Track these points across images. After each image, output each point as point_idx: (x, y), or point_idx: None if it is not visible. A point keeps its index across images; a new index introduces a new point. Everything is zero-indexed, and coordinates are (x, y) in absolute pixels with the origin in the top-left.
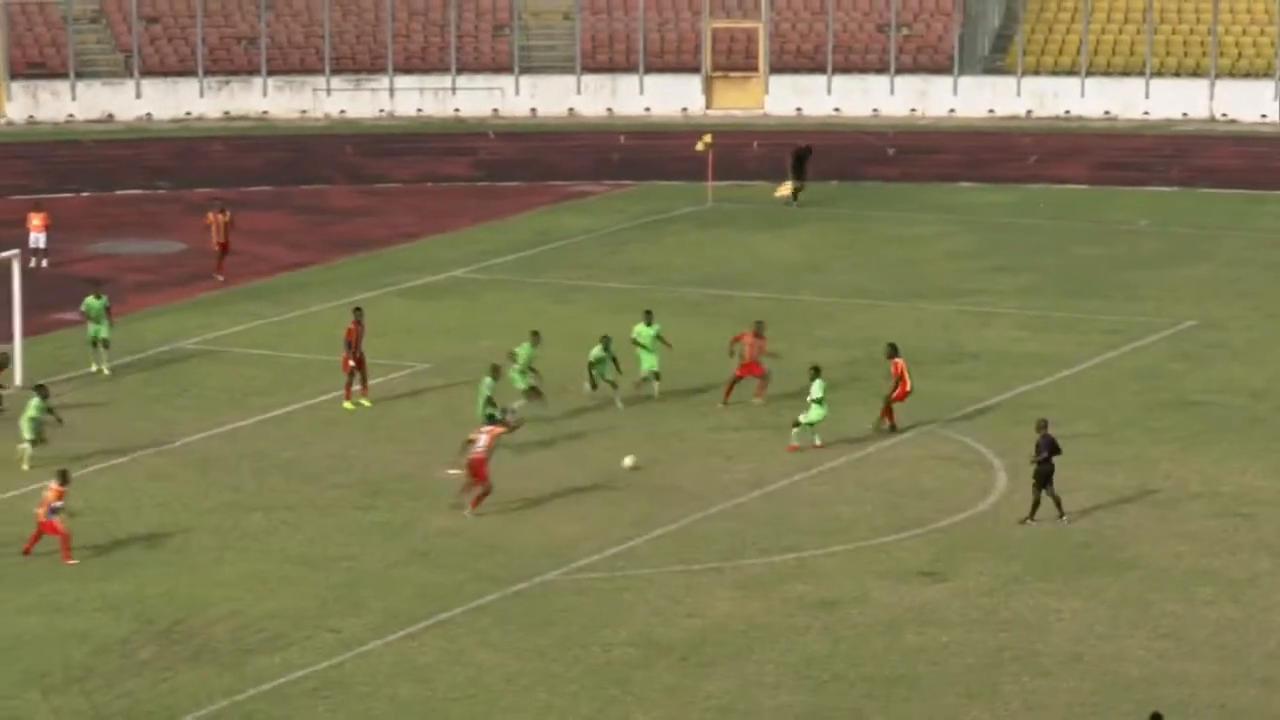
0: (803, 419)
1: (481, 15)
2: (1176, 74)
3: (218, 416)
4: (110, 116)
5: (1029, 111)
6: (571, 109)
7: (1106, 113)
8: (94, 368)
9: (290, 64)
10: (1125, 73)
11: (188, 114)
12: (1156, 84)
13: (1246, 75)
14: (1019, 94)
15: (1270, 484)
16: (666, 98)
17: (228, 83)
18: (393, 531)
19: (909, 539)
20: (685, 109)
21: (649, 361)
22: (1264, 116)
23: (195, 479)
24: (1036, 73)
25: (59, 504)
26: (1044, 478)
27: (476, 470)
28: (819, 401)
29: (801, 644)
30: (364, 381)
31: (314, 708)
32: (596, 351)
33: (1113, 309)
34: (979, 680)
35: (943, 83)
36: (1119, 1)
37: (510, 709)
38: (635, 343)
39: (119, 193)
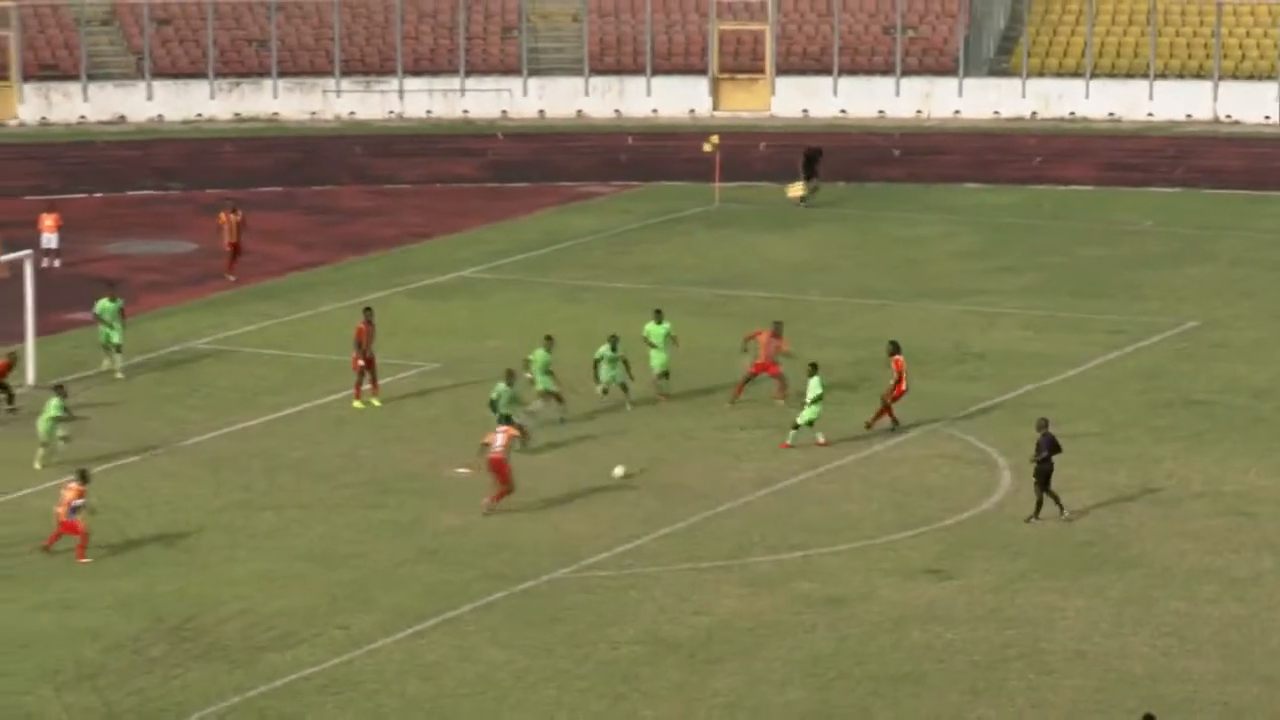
0: (800, 419)
1: (490, 18)
2: (1180, 76)
3: (229, 416)
4: (122, 118)
5: (1034, 113)
6: (579, 110)
7: (1111, 114)
8: (105, 365)
9: (300, 66)
10: (1129, 74)
11: (199, 115)
12: (1160, 86)
13: (1250, 77)
14: (1024, 95)
15: (1273, 483)
16: (674, 99)
17: (238, 84)
18: (402, 530)
19: (915, 537)
20: (692, 110)
21: (659, 360)
22: (1267, 118)
23: (206, 478)
24: (1041, 74)
25: (79, 502)
26: (1044, 476)
27: (498, 471)
28: (817, 399)
29: (808, 641)
30: (374, 381)
31: (324, 704)
32: (603, 350)
33: (1117, 309)
34: (984, 677)
35: (948, 84)
36: (1123, 4)
37: (519, 706)
38: (646, 341)
39: (130, 193)
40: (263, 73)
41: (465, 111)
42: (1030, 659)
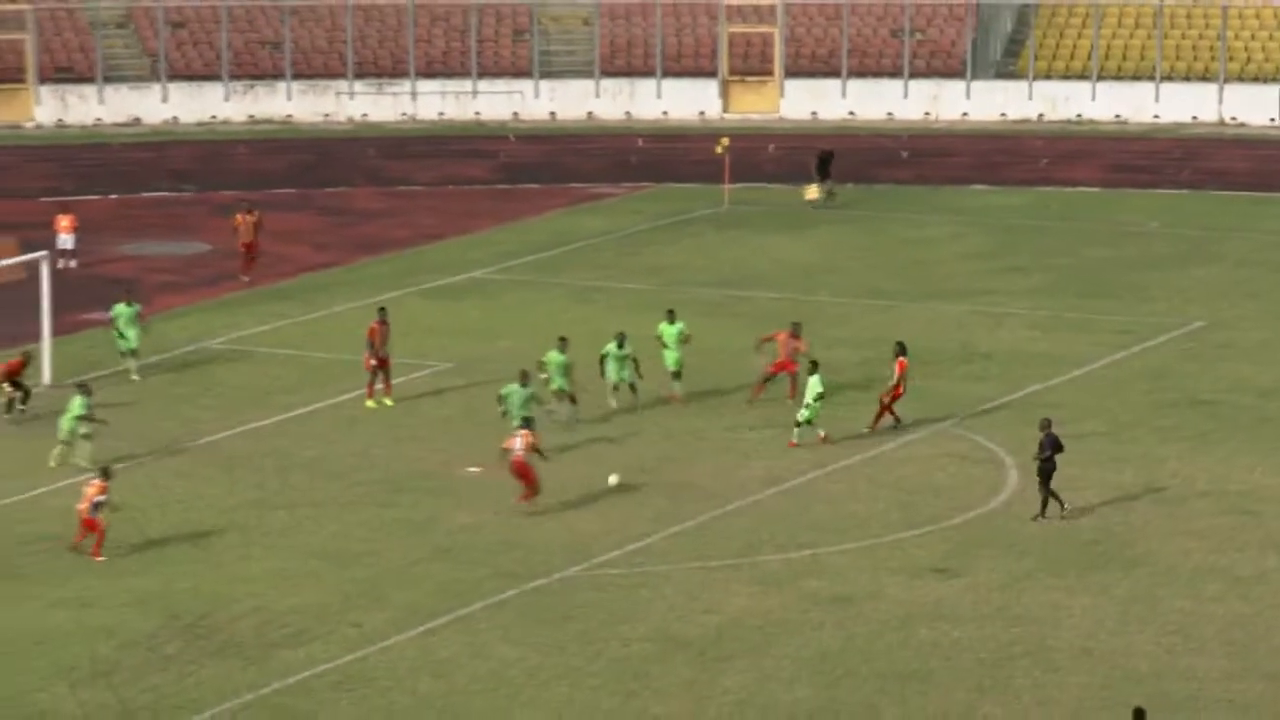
0: (801, 416)
1: (502, 20)
2: (1186, 78)
3: (242, 415)
4: (137, 120)
5: (1041, 115)
6: (590, 112)
7: (1117, 116)
8: (124, 367)
9: (314, 68)
10: (1135, 77)
11: (213, 118)
12: (1166, 88)
13: (1255, 80)
14: (1031, 98)
15: (1278, 482)
16: (684, 101)
17: (252, 87)
18: (414, 528)
19: (922, 536)
20: (702, 112)
21: (672, 360)
22: (1272, 120)
23: (220, 477)
24: (1048, 77)
25: (101, 499)
26: (1047, 475)
27: (522, 475)
28: (819, 397)
29: (816, 639)
30: (387, 381)
31: (337, 701)
32: (610, 347)
33: (1123, 309)
34: (991, 675)
35: (956, 87)
36: (1129, 7)
37: (530, 703)
38: (659, 341)
39: (145, 195)
40: (277, 75)
41: (477, 113)
42: (1036, 656)
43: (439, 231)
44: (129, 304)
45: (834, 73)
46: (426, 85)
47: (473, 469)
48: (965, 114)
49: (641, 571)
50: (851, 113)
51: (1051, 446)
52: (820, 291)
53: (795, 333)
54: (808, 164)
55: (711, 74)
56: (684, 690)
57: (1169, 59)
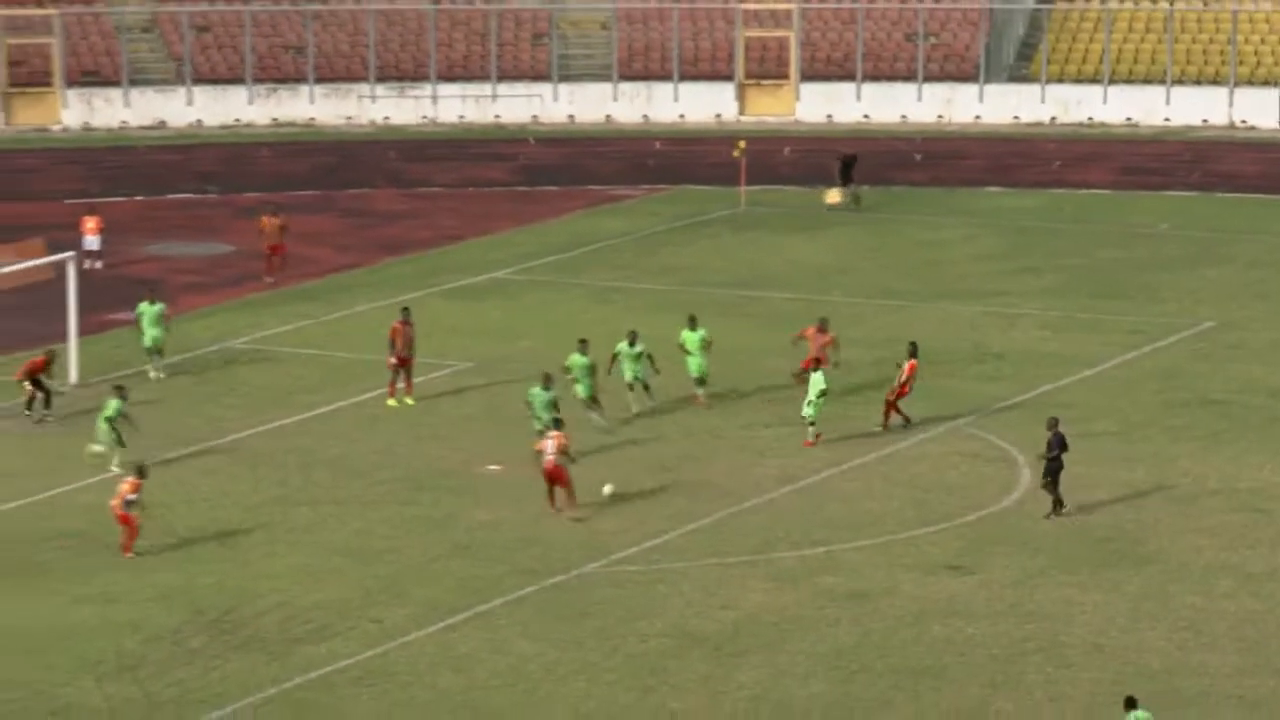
0: (806, 415)
1: (521, 25)
2: (1197, 82)
3: (266, 414)
4: (162, 123)
5: (1053, 118)
6: (608, 115)
7: (1128, 119)
8: (150, 373)
9: (336, 72)
10: (1146, 81)
11: (237, 120)
12: (1177, 92)
13: (1265, 83)
14: (1043, 101)
15: None
16: (700, 105)
17: (276, 90)
18: (435, 525)
19: (936, 533)
20: (719, 115)
21: (696, 366)
22: None
23: (244, 474)
24: (1060, 81)
25: (133, 497)
26: (1053, 473)
27: (557, 478)
28: (821, 394)
29: (832, 635)
30: (408, 380)
31: (358, 696)
32: (622, 345)
33: (1134, 310)
34: (1004, 670)
35: (969, 90)
36: (1140, 12)
37: (549, 698)
38: (682, 348)
39: (170, 197)
40: (300, 79)
41: (497, 117)
42: (1049, 652)
43: (459, 233)
44: (152, 302)
45: (849, 76)
46: (447, 89)
47: (493, 467)
48: (978, 117)
49: (659, 568)
50: (866, 116)
51: (1059, 445)
52: (835, 292)
53: (822, 328)
54: (825, 166)
55: (728, 78)
56: (700, 685)
57: (1179, 63)
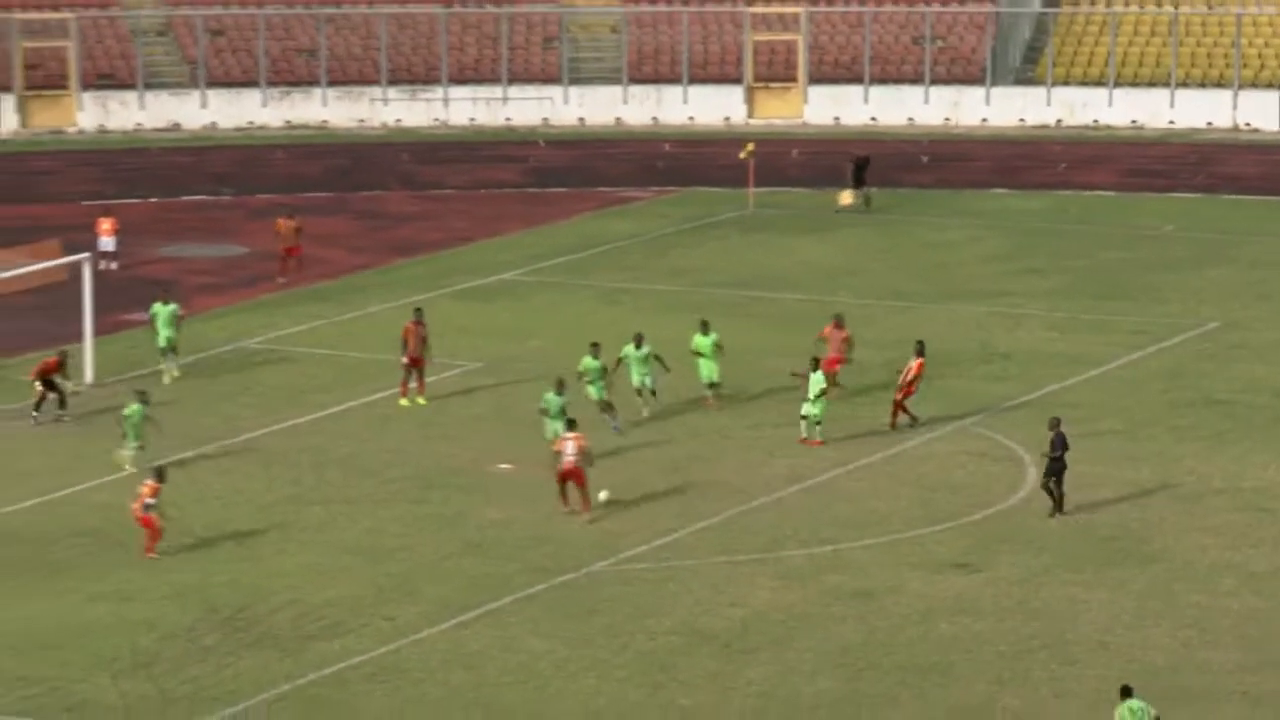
0: (812, 416)
1: (532, 28)
2: (1201, 85)
3: (279, 413)
4: (177, 125)
5: (1059, 121)
6: (618, 118)
7: (1133, 122)
8: (164, 377)
9: (349, 75)
10: (1151, 83)
11: (251, 123)
12: (1181, 94)
13: (1269, 86)
14: (1049, 104)
15: None
16: (709, 107)
17: (289, 93)
18: (446, 524)
19: (942, 532)
20: (727, 118)
21: (709, 370)
22: None
23: (258, 473)
24: (1066, 83)
25: (152, 500)
26: (1056, 472)
27: (575, 478)
28: (820, 394)
29: (839, 633)
30: (420, 380)
31: (370, 692)
32: (628, 349)
33: (1139, 311)
34: (1010, 668)
35: (975, 93)
36: (1145, 15)
37: (559, 694)
38: (695, 353)
39: (185, 198)
40: (312, 82)
41: (508, 119)
42: (1055, 650)
43: (470, 234)
44: (165, 303)
45: (856, 79)
46: (458, 92)
47: (503, 466)
48: (985, 119)
49: (668, 566)
50: (874, 118)
51: (1061, 445)
52: (843, 293)
53: (838, 324)
54: (833, 168)
55: (737, 81)
56: (709, 682)
57: (1184, 66)
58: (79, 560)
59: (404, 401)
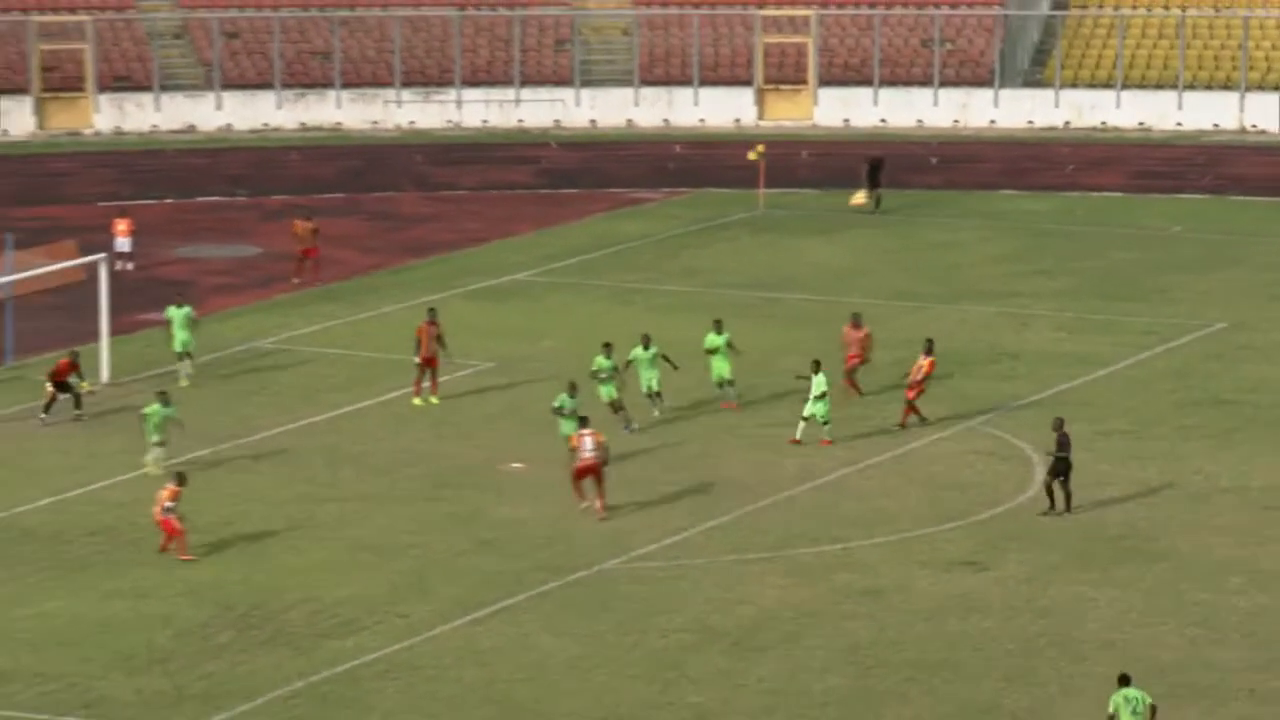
0: (819, 417)
1: (544, 31)
2: (1208, 87)
3: (294, 412)
4: (192, 127)
5: (1067, 122)
6: (629, 120)
7: (1141, 124)
8: (180, 379)
9: (363, 77)
10: (1159, 86)
11: (265, 125)
12: (1189, 96)
13: (1275, 88)
14: (1057, 106)
15: None
16: (720, 109)
17: (304, 95)
18: (459, 522)
19: (951, 530)
20: (738, 120)
21: (722, 369)
22: None
23: (272, 472)
24: (1074, 85)
25: (171, 504)
26: (1062, 472)
27: (595, 473)
28: (821, 395)
29: (848, 630)
30: (434, 380)
31: (384, 689)
32: (636, 351)
33: (1147, 311)
34: (1018, 665)
35: (984, 95)
36: (1153, 18)
37: (571, 691)
38: (708, 351)
39: (200, 200)
40: (327, 84)
41: (520, 121)
42: (1063, 647)
43: (483, 235)
44: (179, 306)
45: (866, 81)
46: (471, 94)
47: (516, 465)
48: (993, 121)
49: (679, 564)
50: (883, 120)
51: (1066, 445)
52: (852, 294)
53: (856, 324)
54: (843, 170)
55: (747, 83)
56: (719, 679)
57: (1191, 68)
58: (94, 558)
59: (417, 401)
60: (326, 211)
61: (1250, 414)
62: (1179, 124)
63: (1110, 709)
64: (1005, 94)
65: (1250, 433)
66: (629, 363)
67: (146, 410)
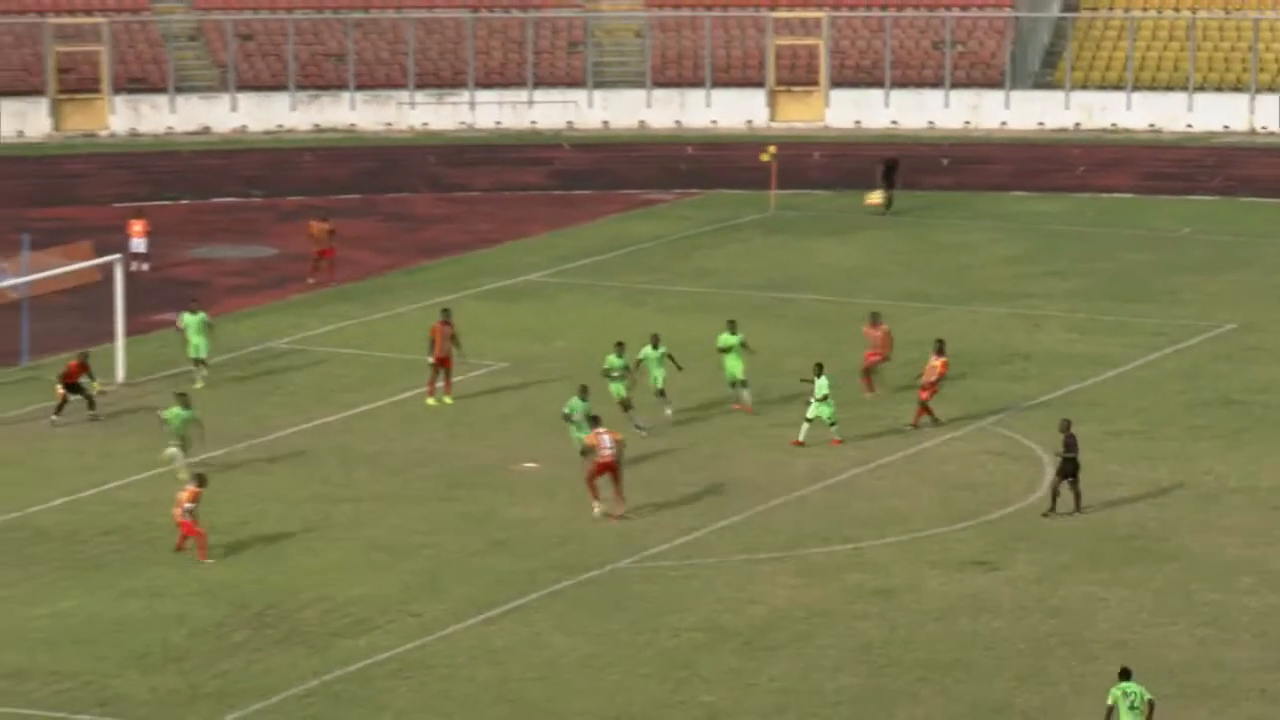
0: (825, 418)
1: (557, 33)
2: (1218, 89)
3: (308, 412)
4: (207, 129)
5: (1077, 124)
6: (642, 121)
7: (1151, 125)
8: (197, 382)
9: (377, 79)
10: (1169, 87)
11: (280, 126)
12: (1199, 98)
13: None
14: (1068, 107)
15: None
16: (732, 111)
17: (318, 97)
18: (472, 521)
19: (962, 530)
20: (750, 121)
21: (735, 369)
22: None
23: (287, 471)
24: (1084, 87)
25: (190, 505)
26: (1070, 472)
27: (613, 471)
28: (823, 399)
29: (859, 630)
30: (447, 380)
31: (397, 688)
32: (646, 350)
33: (1157, 312)
34: (1029, 665)
35: (995, 97)
36: (1163, 19)
37: (583, 690)
38: (721, 350)
39: (215, 201)
40: (341, 86)
41: (533, 122)
42: (1073, 647)
43: (496, 236)
44: (193, 312)
45: (877, 83)
46: (484, 95)
47: (529, 465)
48: (1004, 123)
49: (691, 564)
50: (894, 122)
51: (1074, 446)
52: (864, 294)
53: (875, 323)
54: (855, 171)
55: (759, 84)
56: (731, 678)
57: (1201, 70)
58: (109, 557)
59: (431, 401)
60: (342, 212)
61: (1260, 414)
62: (1189, 126)
63: (1109, 700)
64: (1016, 95)
65: (1260, 433)
66: (639, 362)
67: (166, 414)
